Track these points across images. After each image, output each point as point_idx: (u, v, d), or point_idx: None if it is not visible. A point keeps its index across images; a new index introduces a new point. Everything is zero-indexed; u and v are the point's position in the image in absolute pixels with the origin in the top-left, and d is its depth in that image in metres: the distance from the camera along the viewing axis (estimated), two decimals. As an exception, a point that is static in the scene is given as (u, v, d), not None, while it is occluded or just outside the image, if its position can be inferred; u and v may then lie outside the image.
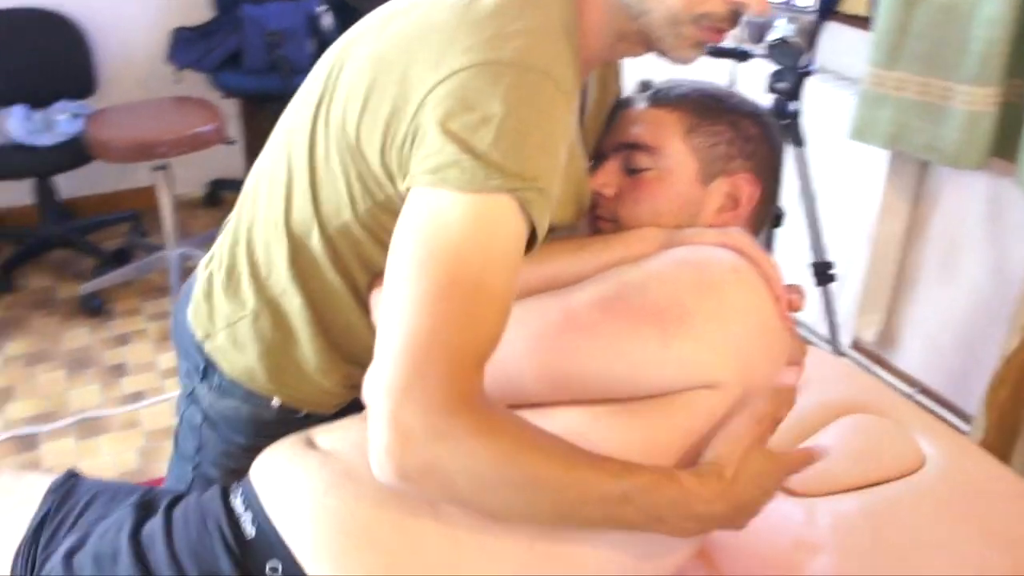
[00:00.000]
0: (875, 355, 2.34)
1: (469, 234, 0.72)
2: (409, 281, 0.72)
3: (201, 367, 1.02)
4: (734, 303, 0.84)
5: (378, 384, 0.70)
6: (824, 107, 2.15)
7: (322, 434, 0.89)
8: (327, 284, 0.93)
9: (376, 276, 0.90)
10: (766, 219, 1.02)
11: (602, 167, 0.98)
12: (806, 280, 1.99)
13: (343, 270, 0.91)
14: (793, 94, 1.70)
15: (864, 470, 1.18)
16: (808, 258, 1.98)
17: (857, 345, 2.36)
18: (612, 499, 0.73)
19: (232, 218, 1.01)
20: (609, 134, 0.99)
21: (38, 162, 2.77)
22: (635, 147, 0.95)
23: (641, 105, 0.98)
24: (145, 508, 0.88)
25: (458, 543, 0.78)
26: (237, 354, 0.99)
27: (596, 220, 0.98)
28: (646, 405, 0.82)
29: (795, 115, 1.74)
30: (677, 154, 0.94)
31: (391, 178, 0.81)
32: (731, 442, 0.80)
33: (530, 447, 0.71)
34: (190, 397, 1.06)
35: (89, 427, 2.27)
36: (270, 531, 0.80)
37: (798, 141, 1.75)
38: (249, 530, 0.80)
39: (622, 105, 1.01)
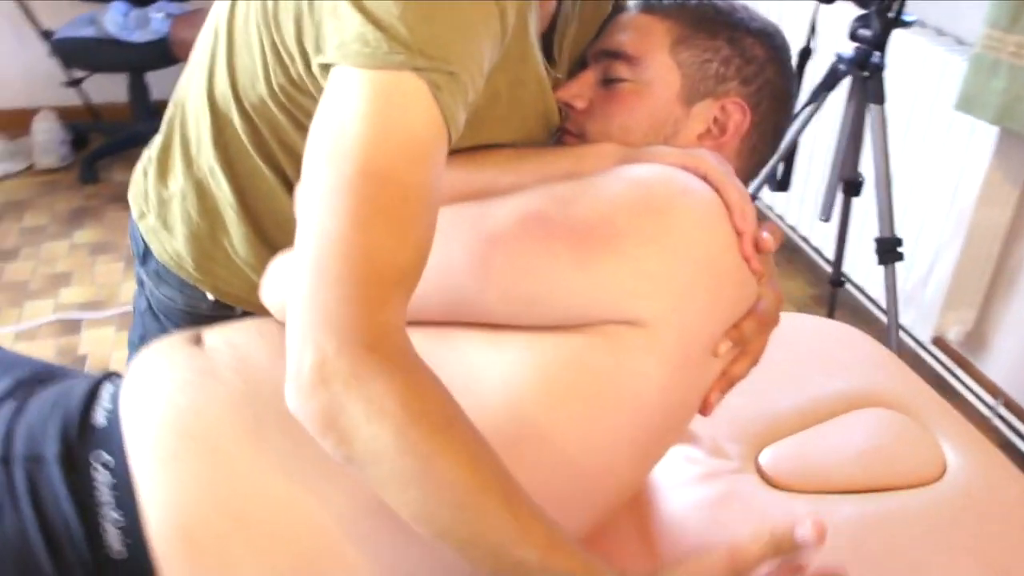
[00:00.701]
0: (958, 356, 2.11)
1: (373, 117, 0.62)
2: (316, 175, 0.63)
3: (141, 250, 0.97)
4: (677, 229, 0.71)
5: (295, 295, 0.61)
6: (924, 68, 1.92)
7: (213, 331, 0.80)
8: (253, 168, 0.84)
9: None
10: (761, 161, 0.88)
11: (577, 77, 0.85)
12: (869, 257, 1.78)
13: (266, 154, 0.83)
14: (878, 43, 1.50)
15: (870, 472, 1.02)
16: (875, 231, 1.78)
17: (939, 342, 2.13)
18: (507, 559, 0.62)
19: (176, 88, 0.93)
20: (594, 41, 0.87)
21: (129, 58, 2.81)
22: (616, 56, 0.83)
23: (633, 11, 0.85)
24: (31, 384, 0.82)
25: (303, 476, 0.68)
26: (167, 236, 0.92)
27: (563, 135, 0.85)
28: (551, 336, 0.71)
29: (878, 68, 1.53)
30: (659, 67, 0.82)
31: (304, 54, 0.71)
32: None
33: (441, 437, 0.60)
34: (139, 283, 1.01)
35: (130, 320, 2.28)
36: (115, 423, 0.72)
37: (877, 98, 1.55)
38: (100, 420, 0.73)
39: (617, 10, 0.88)
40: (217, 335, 0.79)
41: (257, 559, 0.68)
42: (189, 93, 0.87)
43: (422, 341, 0.70)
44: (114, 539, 0.68)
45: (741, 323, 0.77)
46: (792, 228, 2.55)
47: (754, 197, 1.83)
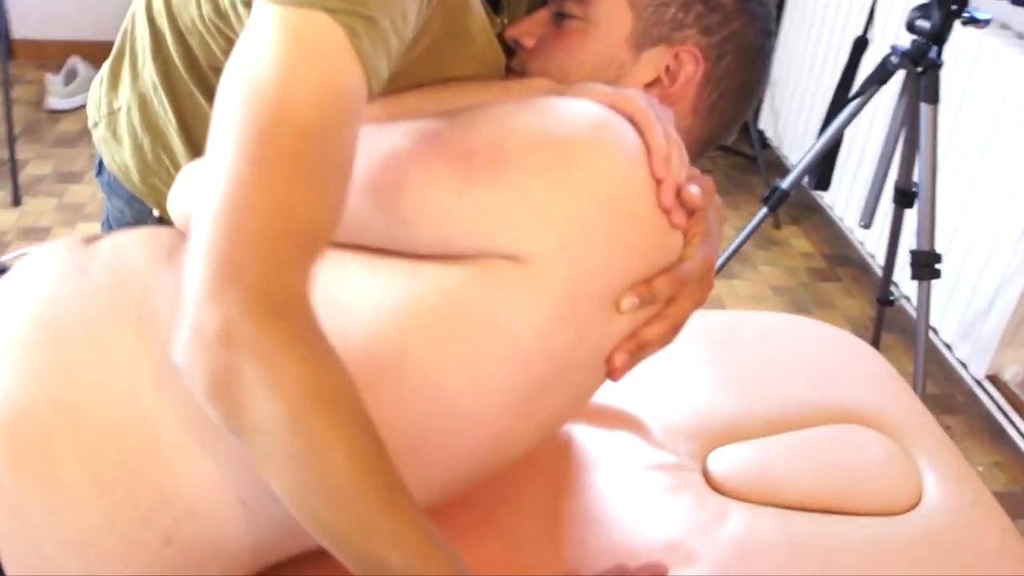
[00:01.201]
0: (1016, 400, 1.94)
1: (288, 63, 0.57)
2: (231, 117, 0.57)
3: (97, 160, 0.96)
4: (576, 163, 0.65)
5: (199, 242, 0.55)
6: (996, 70, 1.76)
7: (110, 234, 0.77)
8: (190, 93, 0.81)
9: None
10: (725, 122, 0.79)
11: (532, 15, 0.78)
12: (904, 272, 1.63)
13: (200, 79, 0.80)
14: (936, 38, 1.36)
15: (829, 491, 0.92)
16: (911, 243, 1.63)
17: (994, 380, 1.96)
18: (371, 557, 0.57)
19: None
20: None
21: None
22: None
23: None
24: None
25: (145, 379, 0.65)
26: (116, 146, 0.91)
27: (507, 74, 0.79)
28: (428, 265, 0.66)
29: (934, 65, 1.39)
30: (611, 6, 0.76)
31: None
32: None
33: (341, 425, 0.55)
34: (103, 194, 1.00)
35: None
36: None
37: (930, 97, 1.41)
38: None
39: None
40: (110, 237, 0.75)
41: (81, 455, 0.63)
42: (139, 6, 0.84)
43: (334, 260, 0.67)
44: None
45: (653, 279, 0.69)
46: (861, 243, 2.40)
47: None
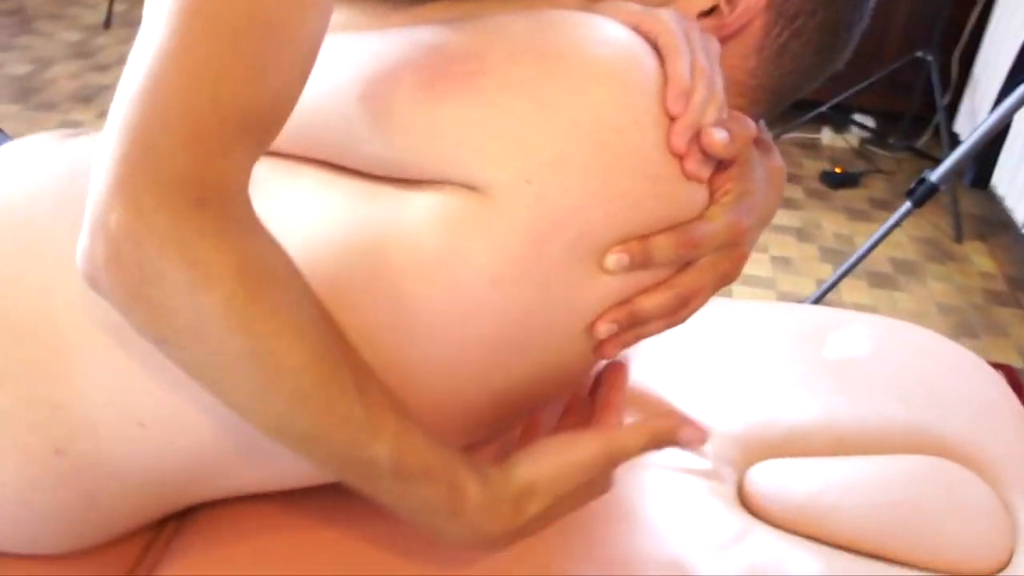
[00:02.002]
0: None
1: None
2: None
3: None
4: (563, 81, 0.54)
5: (113, 118, 0.48)
6: None
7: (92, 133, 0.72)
8: None
9: None
10: (799, 69, 0.67)
11: None
12: None
13: None
14: None
15: (887, 534, 0.75)
16: None
17: None
18: (356, 458, 0.51)
19: None
20: None
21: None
22: None
23: None
24: None
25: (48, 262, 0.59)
26: None
27: None
28: (384, 188, 0.57)
29: None
30: None
31: None
32: (565, 464, 0.58)
33: (285, 316, 0.48)
34: None
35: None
36: None
37: None
38: None
39: None
40: (90, 135, 0.70)
41: None
42: None
43: (267, 171, 0.59)
44: None
45: (652, 236, 0.57)
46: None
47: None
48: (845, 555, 0.73)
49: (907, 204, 1.36)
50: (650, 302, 0.60)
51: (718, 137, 0.57)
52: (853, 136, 3.02)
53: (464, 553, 0.64)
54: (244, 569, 0.67)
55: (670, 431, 0.62)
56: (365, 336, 0.56)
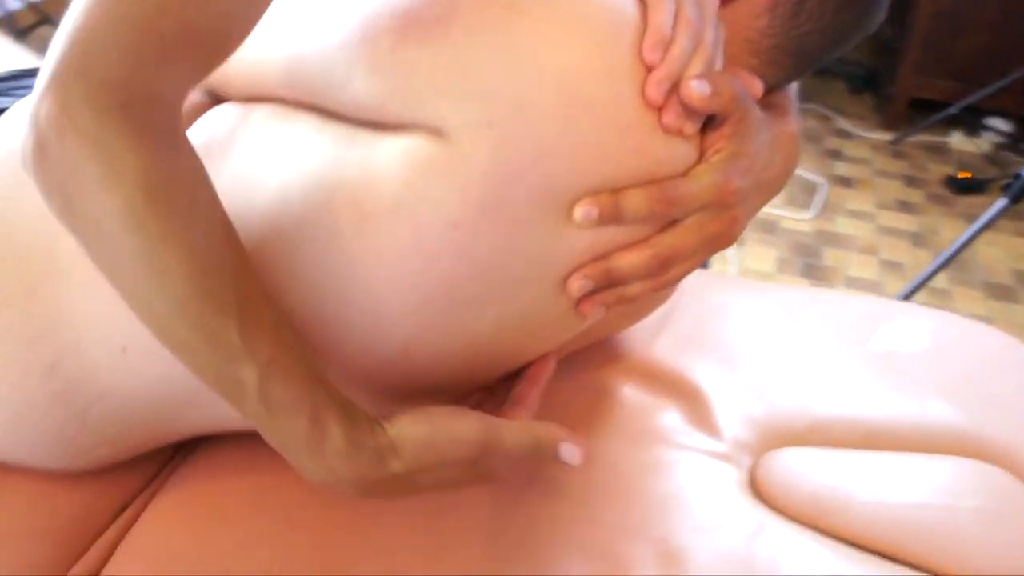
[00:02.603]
0: None
1: None
2: None
3: None
4: (532, 27, 0.52)
5: (63, 24, 0.50)
6: None
7: None
8: None
9: None
10: (811, 39, 0.63)
11: None
12: None
13: None
14: None
15: (912, 538, 0.69)
16: None
17: None
18: (225, 375, 0.51)
19: None
20: None
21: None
22: None
23: None
24: None
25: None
26: None
27: None
28: (362, 131, 0.57)
29: None
30: None
31: None
32: (438, 435, 0.55)
33: (178, 224, 0.49)
34: None
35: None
36: None
37: None
38: None
39: None
40: None
41: None
42: None
43: (267, 114, 0.61)
44: None
45: (625, 190, 0.55)
46: None
47: None
48: (859, 554, 0.68)
49: (1002, 200, 1.27)
50: (626, 260, 0.58)
51: (697, 89, 0.54)
52: (985, 140, 2.84)
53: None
54: (231, 501, 0.68)
55: (553, 441, 0.59)
56: (334, 273, 0.56)
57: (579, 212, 0.54)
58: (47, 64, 0.48)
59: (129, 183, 0.47)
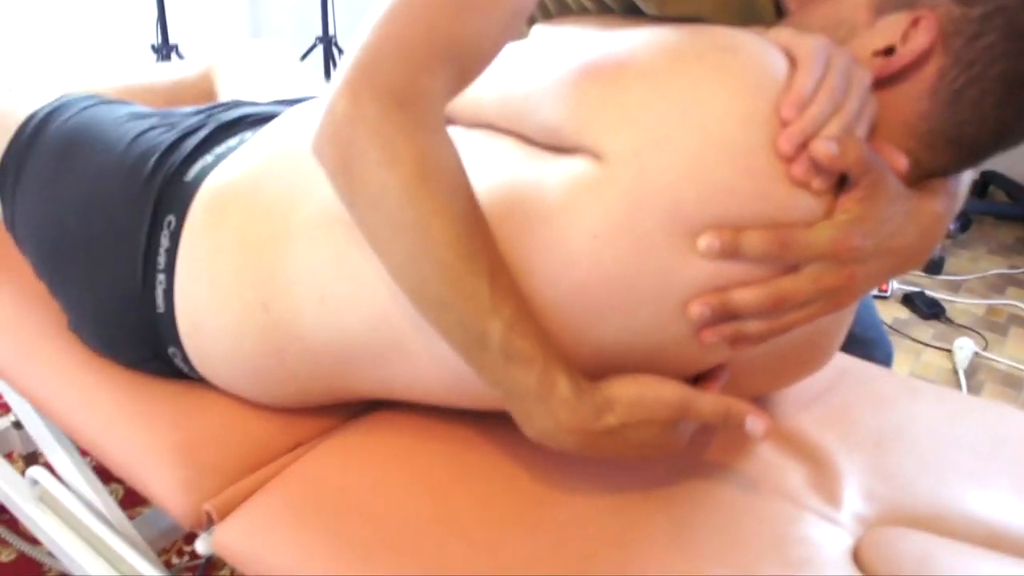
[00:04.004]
0: None
1: None
2: None
3: None
4: (683, 73, 0.63)
5: (354, 42, 0.66)
6: None
7: None
8: None
9: None
10: (976, 119, 0.65)
11: None
12: None
13: None
14: None
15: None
16: None
17: None
18: (472, 329, 0.63)
19: None
20: None
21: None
22: None
23: None
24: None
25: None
26: None
27: None
28: (545, 154, 0.68)
29: None
30: None
31: None
32: (646, 393, 0.66)
33: (445, 201, 0.61)
34: None
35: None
36: (199, 181, 0.82)
37: None
38: (191, 173, 0.83)
39: None
40: None
41: (241, 216, 0.77)
42: None
43: (479, 135, 0.75)
44: (160, 300, 0.80)
45: (745, 230, 0.61)
46: None
47: None
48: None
49: None
50: (743, 295, 0.64)
51: (825, 147, 0.60)
52: None
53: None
54: (385, 457, 0.79)
55: (742, 412, 0.68)
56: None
57: (703, 242, 0.62)
58: (342, 69, 0.63)
59: (408, 165, 0.60)
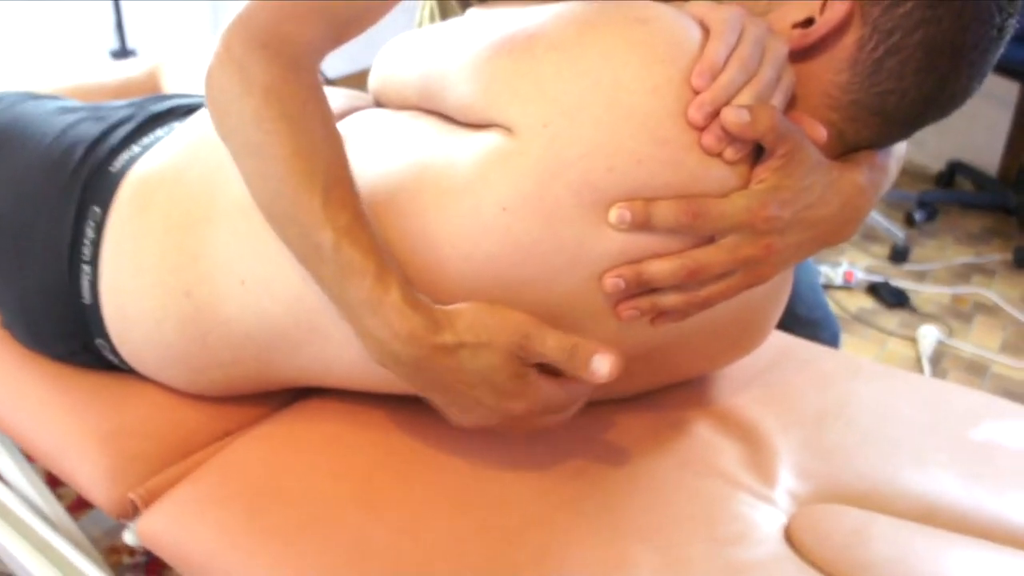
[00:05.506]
0: None
1: None
2: None
3: None
4: (593, 44, 0.62)
5: None
6: None
7: None
8: None
9: None
10: (896, 89, 0.65)
11: None
12: None
13: None
14: None
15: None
16: None
17: None
18: (310, 241, 0.63)
19: None
20: None
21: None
22: None
23: None
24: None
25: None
26: None
27: None
28: (460, 130, 0.68)
29: None
30: None
31: None
32: (489, 314, 0.63)
33: (288, 123, 0.64)
34: None
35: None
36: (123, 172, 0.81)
37: None
38: (117, 164, 0.82)
39: None
40: None
41: (168, 203, 0.76)
42: None
43: (405, 116, 0.74)
44: (86, 291, 0.79)
45: (656, 201, 0.61)
46: None
47: None
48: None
49: None
50: (657, 266, 0.63)
51: (735, 115, 0.60)
52: None
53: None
54: (311, 445, 0.77)
55: (589, 351, 0.63)
56: (409, 238, 0.65)
57: (613, 213, 0.61)
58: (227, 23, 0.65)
59: (257, 94, 0.63)
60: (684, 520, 0.72)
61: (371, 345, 0.63)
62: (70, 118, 0.87)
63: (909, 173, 3.04)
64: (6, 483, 1.11)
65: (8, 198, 0.84)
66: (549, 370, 0.65)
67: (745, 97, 0.61)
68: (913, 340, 2.13)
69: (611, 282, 0.63)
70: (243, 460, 0.76)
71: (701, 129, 0.61)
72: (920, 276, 2.43)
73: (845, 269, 2.33)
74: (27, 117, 0.89)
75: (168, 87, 1.18)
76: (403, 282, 0.62)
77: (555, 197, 0.61)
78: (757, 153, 0.64)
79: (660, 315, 0.67)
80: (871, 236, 2.59)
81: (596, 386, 0.66)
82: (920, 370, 2.03)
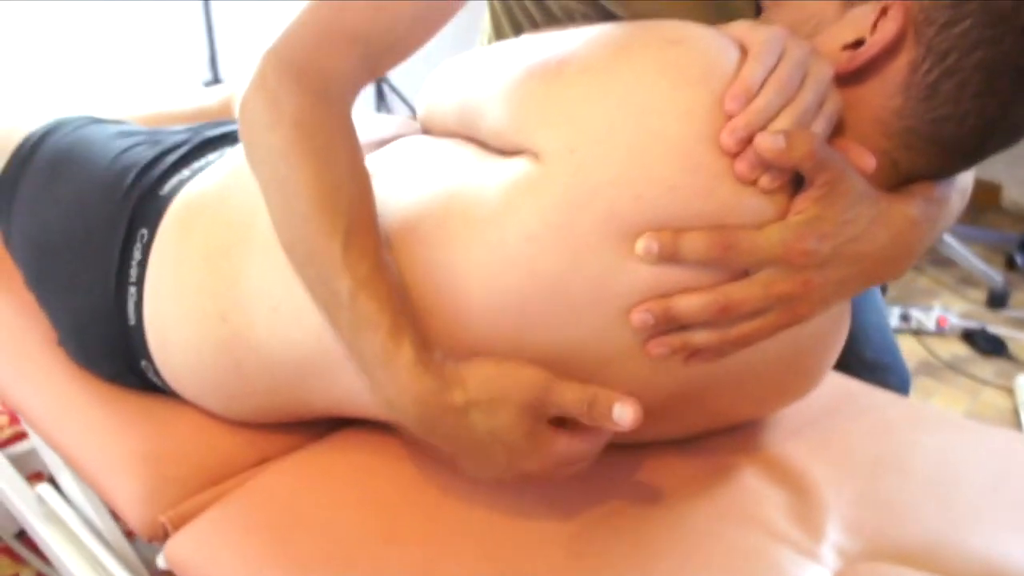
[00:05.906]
0: None
1: None
2: None
3: None
4: (623, 68, 0.60)
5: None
6: None
7: None
8: None
9: None
10: (953, 115, 0.60)
11: None
12: None
13: None
14: None
15: None
16: None
17: None
18: (328, 287, 0.63)
19: None
20: None
21: None
22: None
23: None
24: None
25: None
26: None
27: None
28: (491, 155, 0.67)
29: None
30: None
31: None
32: (502, 372, 0.61)
33: (314, 158, 0.63)
34: None
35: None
36: (171, 196, 0.82)
37: None
38: (166, 188, 0.83)
39: None
40: None
41: (207, 231, 0.77)
42: None
43: (445, 143, 0.73)
44: (131, 312, 0.80)
45: (685, 232, 0.58)
46: None
47: None
48: None
49: None
50: (686, 301, 0.60)
51: (769, 141, 0.56)
52: None
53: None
54: (342, 478, 0.77)
55: (608, 400, 0.61)
56: (436, 270, 0.64)
57: (640, 244, 0.58)
58: (267, 42, 0.66)
59: (287, 125, 0.62)
60: (719, 572, 0.68)
61: (380, 398, 0.62)
62: (127, 142, 0.90)
63: (1011, 213, 2.89)
64: (68, 500, 1.13)
65: (67, 217, 0.86)
66: (563, 421, 0.63)
67: (783, 122, 0.58)
68: (1010, 390, 2.01)
69: (639, 317, 0.61)
70: (272, 488, 0.76)
71: (734, 156, 0.58)
72: (1019, 323, 2.30)
73: (938, 314, 2.22)
74: (88, 140, 0.92)
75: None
76: (416, 339, 0.61)
77: (581, 226, 0.59)
78: (798, 183, 0.61)
79: (693, 354, 0.64)
80: (967, 280, 2.47)
81: (619, 433, 0.63)
82: (1016, 422, 1.91)
